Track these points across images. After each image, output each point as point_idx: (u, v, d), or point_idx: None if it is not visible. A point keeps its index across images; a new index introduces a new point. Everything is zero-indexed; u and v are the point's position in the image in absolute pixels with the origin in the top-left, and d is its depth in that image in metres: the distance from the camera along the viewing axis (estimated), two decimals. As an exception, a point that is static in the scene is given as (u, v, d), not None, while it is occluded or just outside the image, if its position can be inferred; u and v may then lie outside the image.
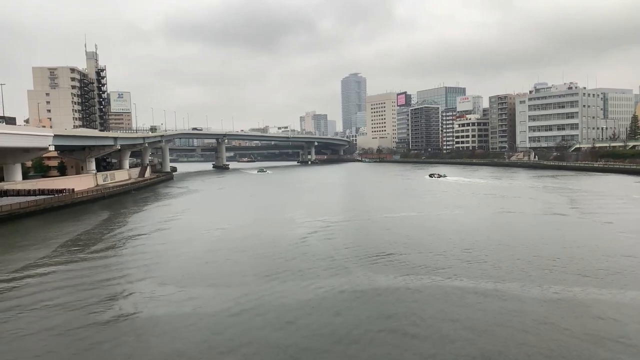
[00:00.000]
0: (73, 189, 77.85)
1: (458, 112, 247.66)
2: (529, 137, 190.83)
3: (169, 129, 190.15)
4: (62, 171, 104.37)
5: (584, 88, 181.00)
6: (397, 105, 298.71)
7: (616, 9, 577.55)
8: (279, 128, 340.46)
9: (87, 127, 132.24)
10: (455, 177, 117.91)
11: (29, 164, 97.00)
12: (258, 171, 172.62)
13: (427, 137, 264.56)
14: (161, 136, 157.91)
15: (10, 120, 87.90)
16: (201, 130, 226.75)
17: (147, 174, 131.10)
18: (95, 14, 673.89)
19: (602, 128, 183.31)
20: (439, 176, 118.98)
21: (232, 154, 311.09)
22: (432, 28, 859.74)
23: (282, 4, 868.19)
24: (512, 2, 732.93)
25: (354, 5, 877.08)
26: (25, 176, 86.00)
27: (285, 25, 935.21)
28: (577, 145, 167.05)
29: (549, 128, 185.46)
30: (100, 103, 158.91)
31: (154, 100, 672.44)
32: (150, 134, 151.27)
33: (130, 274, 32.65)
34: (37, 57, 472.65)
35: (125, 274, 32.72)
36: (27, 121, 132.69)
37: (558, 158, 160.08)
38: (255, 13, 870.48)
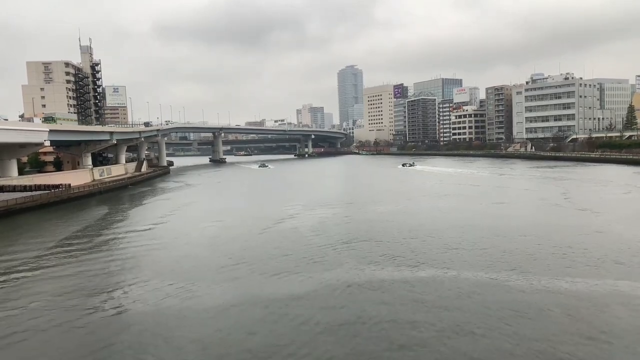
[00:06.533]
0: (69, 184, 77.47)
1: (455, 103, 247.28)
2: (525, 128, 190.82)
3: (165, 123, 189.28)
4: (58, 166, 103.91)
5: (581, 78, 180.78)
6: (394, 97, 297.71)
7: (595, 5, 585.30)
8: (276, 121, 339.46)
9: (82, 122, 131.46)
10: (421, 166, 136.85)
11: (24, 159, 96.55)
12: (259, 166, 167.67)
13: (424, 129, 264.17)
14: (157, 130, 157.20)
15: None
16: (196, 124, 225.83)
17: (144, 168, 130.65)
18: (87, 19, 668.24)
19: (598, 118, 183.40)
20: (410, 165, 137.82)
21: (228, 147, 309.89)
22: (426, 26, 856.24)
23: (270, 3, 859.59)
24: (502, 1, 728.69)
25: (340, 4, 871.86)
26: (21, 172, 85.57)
27: (276, 24, 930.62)
28: (574, 136, 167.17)
29: (545, 119, 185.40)
30: (95, 97, 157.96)
31: (149, 99, 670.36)
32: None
33: (126, 269, 32.53)
34: (33, 56, 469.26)
35: (121, 269, 32.61)
36: (22, 116, 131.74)
37: (555, 149, 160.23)
38: (244, 13, 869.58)
